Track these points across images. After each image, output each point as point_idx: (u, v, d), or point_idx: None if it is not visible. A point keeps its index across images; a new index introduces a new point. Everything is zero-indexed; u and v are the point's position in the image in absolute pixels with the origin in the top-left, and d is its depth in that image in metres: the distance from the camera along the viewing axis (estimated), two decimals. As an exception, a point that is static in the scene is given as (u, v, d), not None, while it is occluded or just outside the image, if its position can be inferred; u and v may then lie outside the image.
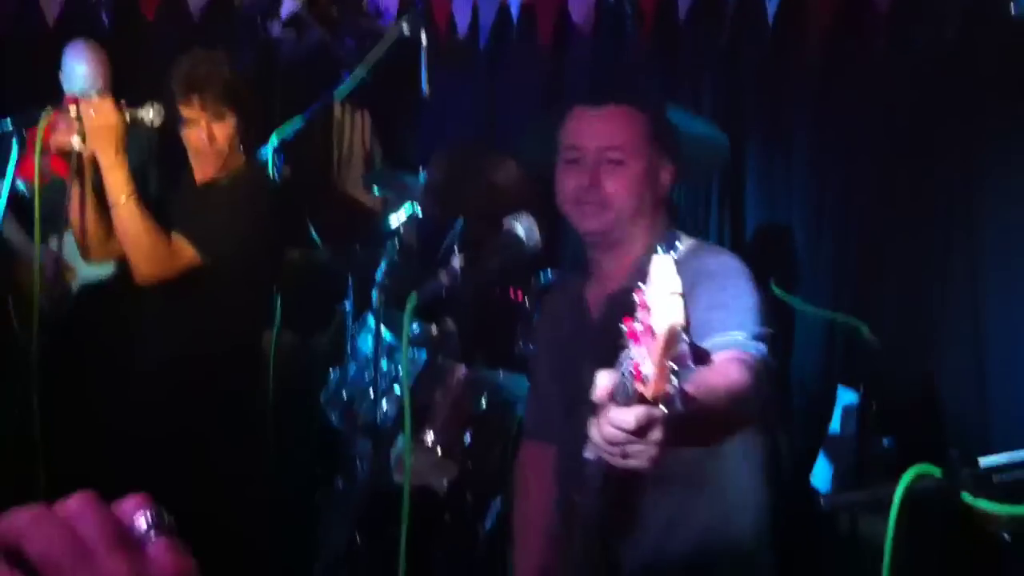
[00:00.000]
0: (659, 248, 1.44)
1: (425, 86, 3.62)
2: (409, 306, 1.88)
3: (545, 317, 2.44)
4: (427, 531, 3.68)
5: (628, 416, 1.37)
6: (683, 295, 1.32)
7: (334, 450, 4.00)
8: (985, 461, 1.40)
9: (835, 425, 3.13)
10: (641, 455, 1.43)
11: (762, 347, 1.94)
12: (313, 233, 3.85)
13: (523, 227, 1.98)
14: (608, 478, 1.64)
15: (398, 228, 3.96)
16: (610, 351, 1.90)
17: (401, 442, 3.62)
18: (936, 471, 1.43)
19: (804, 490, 2.94)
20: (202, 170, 3.36)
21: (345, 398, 3.67)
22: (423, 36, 3.58)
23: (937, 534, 2.57)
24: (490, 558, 3.53)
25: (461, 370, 3.52)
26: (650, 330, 1.31)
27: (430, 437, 3.49)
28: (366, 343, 3.70)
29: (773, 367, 1.97)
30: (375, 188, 4.38)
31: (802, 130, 3.92)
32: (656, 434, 1.39)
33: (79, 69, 4.11)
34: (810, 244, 3.86)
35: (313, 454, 3.97)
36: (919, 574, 2.74)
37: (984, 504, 1.38)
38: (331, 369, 3.77)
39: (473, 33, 4.39)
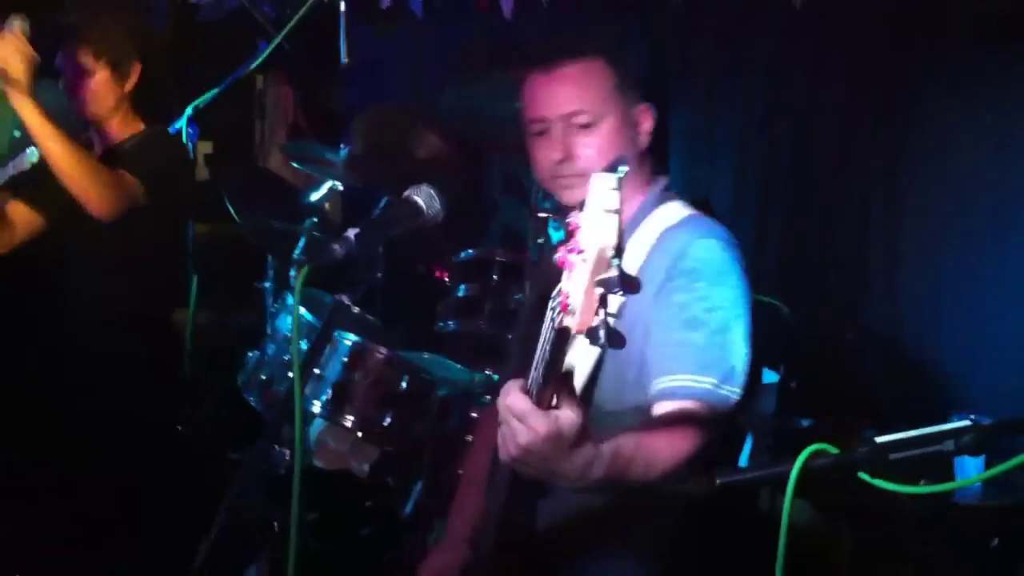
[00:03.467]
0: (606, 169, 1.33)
1: (344, 54, 3.54)
2: (300, 277, 1.79)
3: (532, 281, 2.33)
4: (349, 515, 3.61)
5: (541, 424, 1.37)
6: (618, 212, 1.23)
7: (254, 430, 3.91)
8: (882, 439, 1.35)
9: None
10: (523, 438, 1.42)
11: (733, 394, 1.80)
12: (230, 208, 3.74)
13: (423, 196, 1.89)
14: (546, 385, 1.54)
15: (318, 203, 3.87)
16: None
17: (318, 424, 3.54)
18: (833, 449, 1.37)
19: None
20: (101, 132, 3.33)
21: (264, 378, 3.58)
22: (342, 3, 3.51)
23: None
24: (411, 542, 3.46)
25: (381, 351, 3.43)
26: (580, 252, 1.22)
27: (350, 420, 3.41)
28: (285, 322, 3.61)
29: (742, 405, 1.83)
30: (295, 162, 4.27)
31: (724, 98, 3.89)
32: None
33: None
34: (731, 215, 3.84)
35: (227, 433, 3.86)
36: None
37: (880, 483, 1.34)
38: (248, 351, 3.67)
39: (400, 2, 4.28)
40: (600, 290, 1.25)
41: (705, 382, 1.78)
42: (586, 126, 1.93)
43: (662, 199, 2.00)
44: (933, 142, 3.48)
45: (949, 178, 3.49)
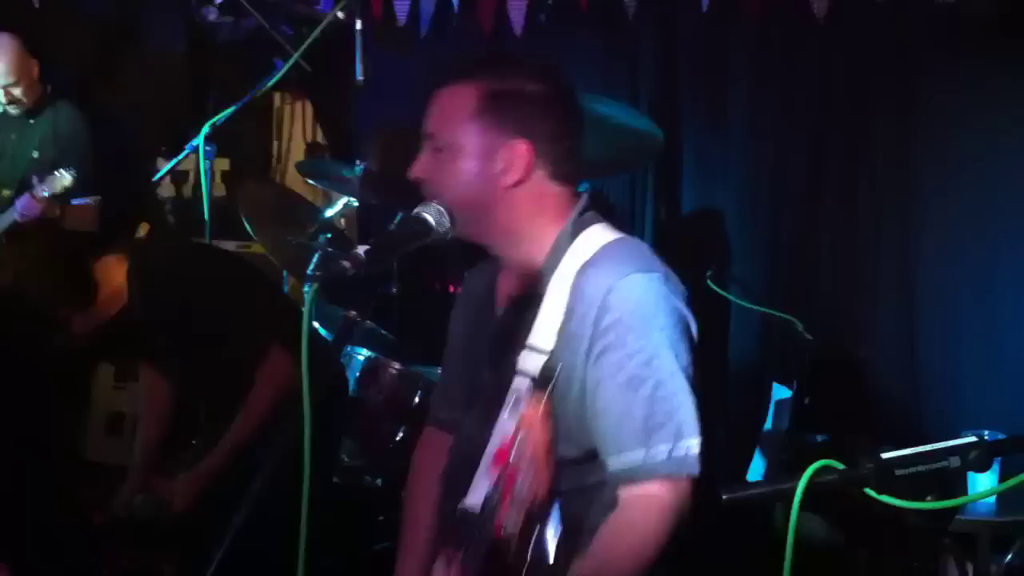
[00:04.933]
0: (528, 387, 1.32)
1: (359, 72, 3.56)
2: (311, 292, 1.80)
3: (461, 297, 2.17)
4: (362, 529, 3.62)
5: None
6: (549, 451, 1.25)
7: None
8: (888, 455, 1.35)
9: (768, 421, 3.10)
10: None
11: (691, 449, 1.73)
12: (247, 225, 3.77)
13: (432, 213, 1.89)
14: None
15: (332, 219, 3.90)
16: (508, 355, 1.82)
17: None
18: (839, 465, 1.38)
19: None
20: None
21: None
22: (358, 22, 3.54)
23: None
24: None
25: (395, 366, 3.45)
26: (513, 484, 1.26)
27: (364, 435, 3.42)
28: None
29: (702, 475, 1.74)
30: (311, 179, 4.30)
31: (736, 117, 3.90)
32: None
33: None
34: (745, 232, 3.85)
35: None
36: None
37: (886, 499, 1.34)
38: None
39: (413, 21, 4.32)
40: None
41: (659, 450, 1.72)
42: (439, 150, 1.87)
43: (576, 229, 1.88)
44: (948, 159, 3.47)
45: (963, 195, 3.49)
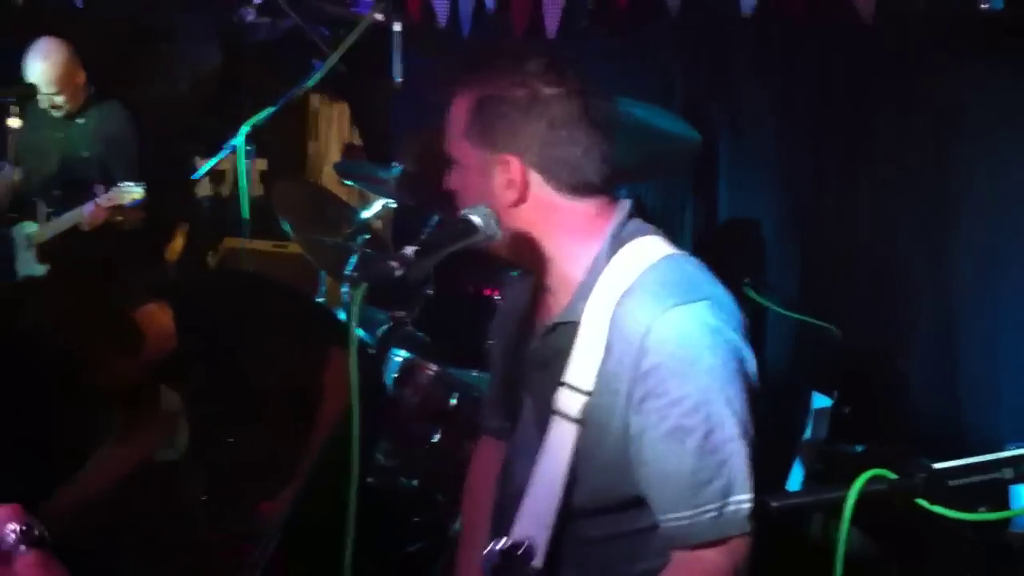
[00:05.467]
0: None
1: (397, 73, 3.58)
2: (358, 294, 1.80)
3: (502, 308, 2.10)
4: (397, 531, 3.62)
5: None
6: None
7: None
8: (940, 465, 1.34)
9: (807, 430, 3.08)
10: None
11: (742, 507, 1.62)
12: (284, 225, 3.79)
13: (480, 215, 1.88)
14: None
15: (369, 221, 3.92)
16: (545, 384, 1.75)
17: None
18: (891, 475, 1.37)
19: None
20: None
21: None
22: (395, 23, 3.55)
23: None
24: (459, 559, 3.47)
25: (431, 368, 3.46)
26: None
27: (399, 436, 3.44)
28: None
29: (754, 531, 1.63)
30: (347, 180, 4.33)
31: (774, 124, 3.89)
32: None
33: (37, 70, 4.09)
34: (782, 240, 3.83)
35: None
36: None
37: (938, 509, 1.33)
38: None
39: (451, 22, 4.33)
40: None
41: (707, 511, 1.62)
42: (452, 165, 1.80)
43: (615, 245, 1.73)
44: (988, 167, 3.44)
45: (1004, 201, 3.45)
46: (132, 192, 3.92)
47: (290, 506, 2.75)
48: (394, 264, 1.71)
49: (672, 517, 1.65)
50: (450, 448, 3.44)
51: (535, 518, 1.74)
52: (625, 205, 1.79)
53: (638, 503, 1.71)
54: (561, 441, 1.72)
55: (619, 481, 1.70)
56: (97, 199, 3.96)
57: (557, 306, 1.80)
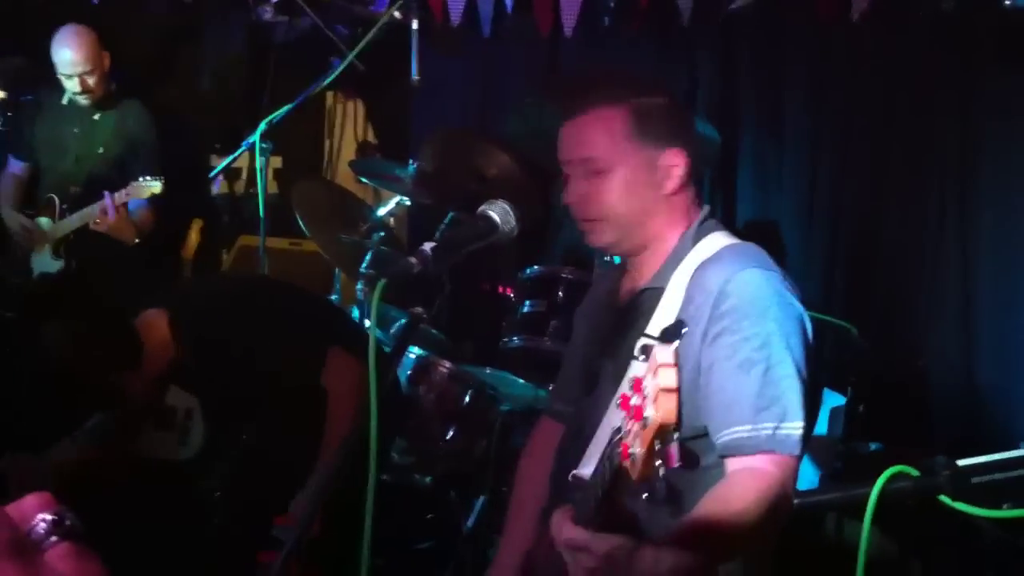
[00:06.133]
0: (661, 339, 1.36)
1: (415, 72, 3.59)
2: (377, 290, 1.80)
3: (588, 297, 2.29)
4: (410, 528, 3.63)
5: (580, 538, 1.45)
6: (678, 390, 1.28)
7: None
8: (964, 462, 1.33)
9: (821, 427, 3.07)
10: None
11: (794, 431, 1.78)
12: (300, 223, 3.80)
13: (498, 212, 1.89)
14: (600, 508, 1.56)
15: (385, 218, 3.92)
16: (627, 345, 1.88)
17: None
18: (914, 472, 1.36)
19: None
20: None
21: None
22: (414, 22, 3.56)
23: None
24: (473, 556, 3.47)
25: (445, 365, 3.46)
26: (642, 415, 1.29)
27: (413, 433, 3.44)
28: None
29: (801, 457, 1.80)
30: (364, 178, 4.33)
31: (795, 124, 3.88)
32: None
33: (65, 55, 4.08)
34: (801, 240, 3.81)
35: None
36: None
37: (962, 506, 1.32)
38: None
39: (470, 20, 4.33)
40: (657, 461, 1.30)
41: (765, 427, 1.77)
42: (600, 172, 1.94)
43: (699, 233, 1.98)
44: (1009, 169, 3.42)
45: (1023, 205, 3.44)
46: (151, 186, 3.92)
47: (306, 515, 2.72)
48: (413, 260, 1.77)
49: (732, 431, 1.80)
50: (464, 446, 3.44)
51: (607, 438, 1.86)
52: (706, 205, 2.05)
53: (700, 437, 1.85)
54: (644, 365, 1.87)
55: (686, 413, 1.79)
56: (114, 194, 3.95)
57: (643, 279, 2.01)
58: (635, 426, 1.31)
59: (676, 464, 1.29)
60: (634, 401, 1.32)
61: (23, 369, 2.53)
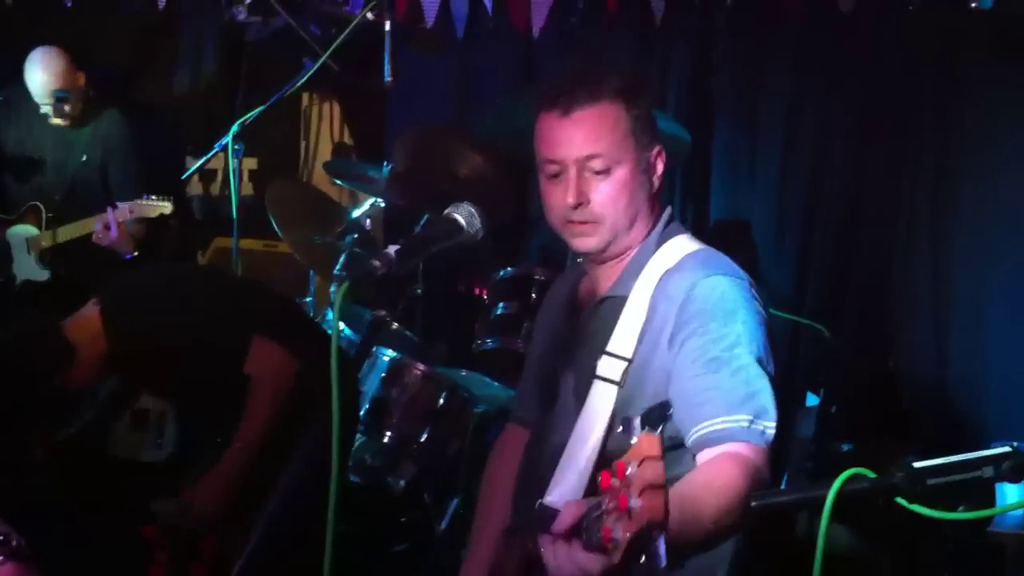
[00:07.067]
0: (644, 424, 1.30)
1: (388, 72, 3.57)
2: (341, 291, 1.79)
3: (546, 302, 2.24)
4: (384, 531, 3.62)
5: (593, 565, 1.31)
6: (664, 487, 1.21)
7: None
8: (920, 464, 1.34)
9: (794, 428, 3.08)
10: None
11: (769, 429, 1.73)
12: (274, 224, 3.78)
13: (463, 214, 1.88)
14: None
15: (360, 219, 3.91)
16: (588, 357, 1.88)
17: (356, 439, 3.56)
18: (871, 474, 1.36)
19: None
20: None
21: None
22: (387, 22, 3.55)
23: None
24: (447, 558, 3.47)
25: (419, 367, 3.45)
26: (627, 509, 1.22)
27: (387, 435, 3.42)
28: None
29: (775, 448, 1.74)
30: (338, 179, 4.31)
31: (768, 124, 3.88)
32: None
33: (38, 78, 4.04)
34: (774, 240, 3.82)
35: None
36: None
37: (917, 508, 1.32)
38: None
39: (444, 23, 4.32)
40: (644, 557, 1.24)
41: (740, 420, 1.72)
42: (602, 171, 1.88)
43: (663, 237, 1.95)
44: (981, 167, 3.44)
45: (996, 203, 3.45)
46: (160, 207, 3.87)
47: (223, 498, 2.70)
48: (376, 263, 1.76)
49: (705, 424, 1.74)
50: (438, 448, 3.43)
51: (574, 470, 1.84)
52: (668, 208, 2.01)
53: (676, 448, 1.79)
54: (602, 401, 1.86)
55: None
56: (117, 208, 3.90)
57: (603, 287, 1.97)
58: (617, 511, 1.24)
59: (662, 565, 1.22)
60: (615, 484, 1.25)
61: None
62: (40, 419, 3.19)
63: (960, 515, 1.34)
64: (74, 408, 3.59)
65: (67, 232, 4.07)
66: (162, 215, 3.87)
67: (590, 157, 1.88)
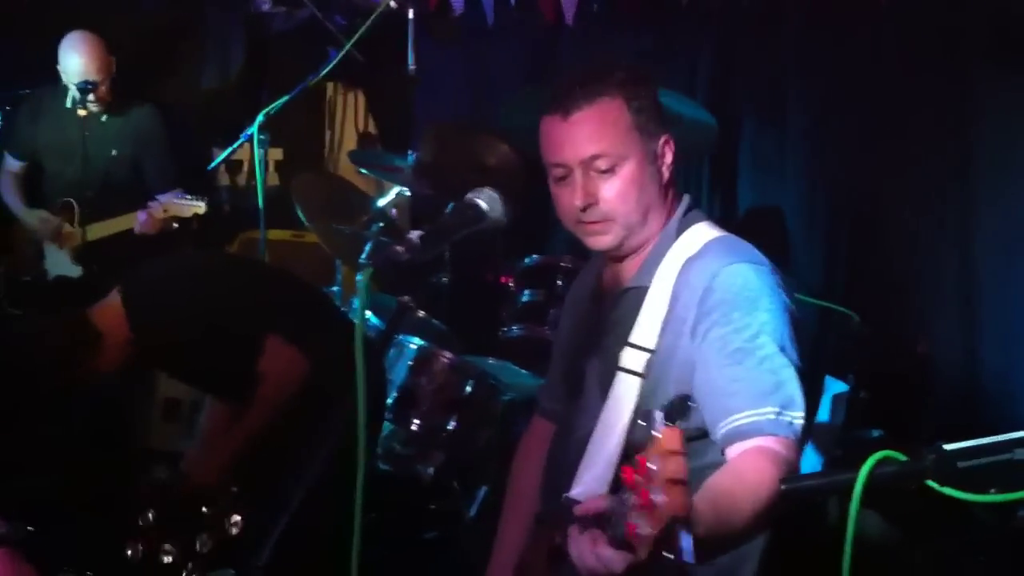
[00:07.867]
0: (665, 418, 1.28)
1: (411, 61, 3.58)
2: (364, 277, 1.79)
3: (570, 293, 2.24)
4: (413, 519, 3.63)
5: (618, 561, 1.31)
6: (688, 482, 1.21)
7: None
8: (951, 447, 1.32)
9: (823, 414, 3.05)
10: None
11: (796, 420, 1.72)
12: (300, 214, 3.80)
13: (485, 199, 1.87)
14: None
15: (385, 208, 3.91)
16: (612, 348, 1.89)
17: (385, 428, 3.57)
18: (901, 457, 1.34)
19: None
20: None
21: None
22: (410, 11, 3.55)
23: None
24: (476, 546, 3.47)
25: (446, 355, 3.45)
26: (650, 504, 1.22)
27: (415, 423, 3.43)
28: (352, 325, 3.64)
29: (804, 439, 1.73)
30: (363, 169, 4.32)
31: (796, 111, 3.85)
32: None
33: (74, 62, 4.06)
34: (803, 227, 3.79)
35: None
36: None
37: (948, 491, 1.30)
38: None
39: (472, 12, 4.31)
40: (667, 554, 1.24)
41: (767, 412, 1.71)
42: (607, 170, 1.87)
43: (683, 225, 1.94)
44: (1010, 154, 3.39)
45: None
46: (194, 206, 3.90)
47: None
48: (400, 249, 1.74)
49: (733, 419, 1.72)
50: (466, 436, 3.43)
51: (600, 461, 1.84)
52: (687, 196, 1.99)
53: (700, 438, 1.79)
54: (626, 392, 1.86)
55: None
56: (151, 207, 3.93)
57: (625, 277, 1.96)
58: (641, 506, 1.25)
59: (690, 560, 1.22)
60: (638, 480, 1.25)
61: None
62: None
63: (992, 497, 1.32)
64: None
65: (101, 229, 4.10)
66: (196, 215, 3.89)
67: (594, 157, 1.87)
